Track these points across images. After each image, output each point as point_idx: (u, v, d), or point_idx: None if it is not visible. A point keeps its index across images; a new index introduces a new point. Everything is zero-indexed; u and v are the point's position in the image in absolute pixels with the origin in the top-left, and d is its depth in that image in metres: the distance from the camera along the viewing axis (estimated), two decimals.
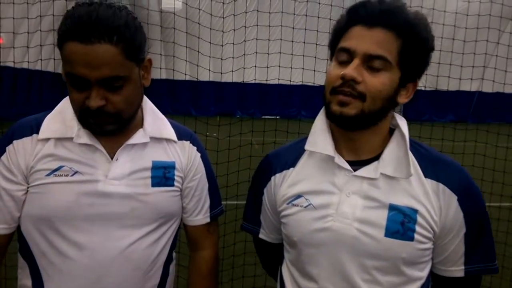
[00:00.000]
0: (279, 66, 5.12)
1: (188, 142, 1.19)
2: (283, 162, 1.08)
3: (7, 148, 1.03)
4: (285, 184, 1.06)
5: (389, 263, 0.93)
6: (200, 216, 1.21)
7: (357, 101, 0.90)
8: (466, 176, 0.97)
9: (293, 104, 18.81)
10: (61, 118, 1.06)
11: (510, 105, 19.93)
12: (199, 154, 1.20)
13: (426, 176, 0.95)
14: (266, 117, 15.28)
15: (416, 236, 0.93)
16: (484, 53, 6.49)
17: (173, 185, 1.12)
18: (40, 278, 1.04)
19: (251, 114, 18.27)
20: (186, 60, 5.80)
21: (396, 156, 0.95)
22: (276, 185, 1.08)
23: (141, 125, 1.10)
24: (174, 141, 1.15)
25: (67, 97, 1.07)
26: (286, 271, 1.10)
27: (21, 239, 1.07)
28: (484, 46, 6.53)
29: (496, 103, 19.91)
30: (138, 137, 1.08)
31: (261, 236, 1.17)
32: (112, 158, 1.06)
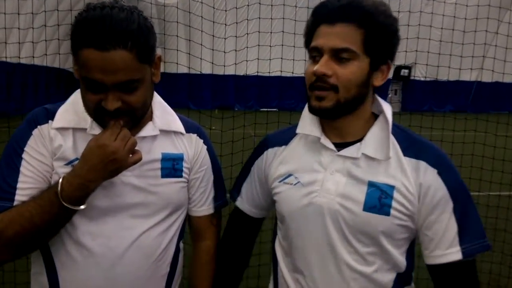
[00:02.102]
0: (281, 58, 5.10)
1: (195, 135, 1.21)
2: (278, 140, 1.17)
3: (33, 132, 1.05)
4: (276, 160, 1.14)
5: (368, 236, 1.00)
6: (204, 207, 1.24)
7: (331, 93, 0.97)
8: (444, 155, 1.03)
9: (291, 97, 18.78)
10: (74, 110, 1.08)
11: (508, 94, 19.94)
12: (205, 147, 1.23)
13: (405, 155, 1.01)
14: (264, 109, 15.25)
15: (392, 211, 0.98)
16: (483, 43, 6.48)
17: (181, 176, 1.15)
18: (53, 267, 1.06)
19: (250, 107, 18.25)
20: (177, 50, 5.76)
21: (377, 138, 1.02)
22: (268, 158, 1.16)
23: (150, 118, 1.12)
24: (182, 134, 1.18)
25: (78, 89, 1.09)
26: (278, 246, 1.17)
27: None
28: (483, 36, 6.52)
29: (494, 92, 19.91)
30: (148, 130, 1.10)
31: (237, 203, 1.24)
32: None
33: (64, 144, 1.05)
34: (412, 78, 20.92)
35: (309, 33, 1.01)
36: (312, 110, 1.01)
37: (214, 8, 6.70)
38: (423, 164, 1.00)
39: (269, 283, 1.23)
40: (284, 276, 1.12)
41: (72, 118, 1.07)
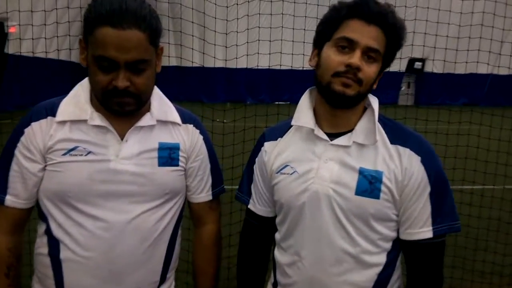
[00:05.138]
0: (292, 53, 5.16)
1: (192, 125, 1.27)
2: (274, 134, 1.25)
3: (25, 130, 1.13)
4: (274, 152, 1.21)
5: (360, 218, 1.08)
6: (203, 194, 1.30)
7: (356, 84, 1.06)
8: (426, 143, 1.12)
9: (302, 90, 18.70)
10: (75, 102, 1.15)
11: None
12: (201, 137, 1.28)
13: (392, 142, 1.11)
14: (276, 102, 15.25)
15: (382, 195, 1.08)
16: (498, 39, 6.43)
17: (178, 165, 1.21)
18: (57, 247, 1.13)
19: (262, 100, 18.28)
20: (192, 49, 5.86)
21: (366, 127, 1.11)
22: (267, 152, 1.23)
23: (148, 109, 1.18)
24: (179, 124, 1.23)
25: (80, 83, 1.19)
26: (278, 251, 1.23)
27: (40, 212, 1.17)
28: (499, 29, 6.49)
29: (509, 85, 19.52)
30: (146, 120, 1.16)
31: (249, 206, 1.28)
32: (122, 139, 1.14)
33: (64, 136, 1.12)
34: (425, 71, 20.64)
35: (336, 22, 1.07)
36: (332, 95, 1.07)
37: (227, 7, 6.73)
38: (408, 151, 1.09)
39: (269, 279, 1.31)
40: (281, 273, 1.20)
41: (73, 111, 1.14)
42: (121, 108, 1.08)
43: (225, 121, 4.63)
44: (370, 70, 1.06)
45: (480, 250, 3.22)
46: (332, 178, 1.10)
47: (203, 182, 1.29)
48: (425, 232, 1.09)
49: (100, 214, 1.11)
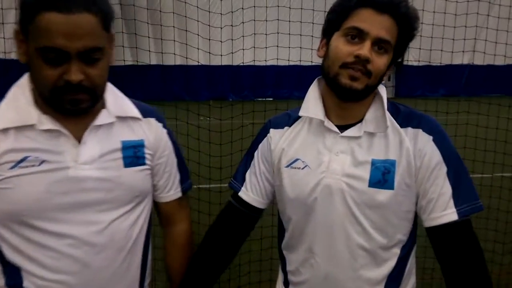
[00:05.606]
0: (277, 46, 5.14)
1: (154, 119, 1.16)
2: (280, 122, 1.20)
3: None
4: (281, 141, 1.16)
5: (375, 211, 1.05)
6: (172, 192, 1.22)
7: (365, 77, 1.02)
8: (437, 123, 1.10)
9: (285, 85, 18.73)
10: (15, 107, 0.99)
11: (501, 77, 20.01)
12: (165, 130, 1.18)
13: (402, 126, 1.08)
14: (260, 99, 15.23)
15: (396, 184, 1.04)
16: (475, 25, 6.55)
17: (144, 164, 1.11)
18: (17, 275, 1.00)
19: (244, 97, 18.22)
20: (174, 40, 5.76)
21: (375, 115, 1.08)
22: (272, 140, 1.18)
23: (103, 105, 1.06)
24: (139, 119, 1.12)
25: (16, 84, 1.03)
26: (287, 249, 1.19)
27: None
28: (475, 18, 6.59)
29: (487, 75, 19.98)
30: (103, 118, 1.04)
31: (240, 194, 1.21)
32: (79, 142, 1.01)
33: (9, 146, 0.96)
34: (405, 63, 20.90)
35: (347, 10, 1.03)
36: (338, 88, 1.03)
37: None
38: (419, 131, 1.07)
39: (278, 279, 1.28)
40: (292, 267, 1.17)
41: (14, 116, 0.97)
42: (74, 107, 0.95)
43: (208, 118, 4.57)
44: (380, 62, 1.02)
45: (479, 239, 3.25)
46: (344, 171, 1.07)
47: (172, 179, 1.21)
48: (450, 214, 1.05)
49: (65, 230, 0.99)
